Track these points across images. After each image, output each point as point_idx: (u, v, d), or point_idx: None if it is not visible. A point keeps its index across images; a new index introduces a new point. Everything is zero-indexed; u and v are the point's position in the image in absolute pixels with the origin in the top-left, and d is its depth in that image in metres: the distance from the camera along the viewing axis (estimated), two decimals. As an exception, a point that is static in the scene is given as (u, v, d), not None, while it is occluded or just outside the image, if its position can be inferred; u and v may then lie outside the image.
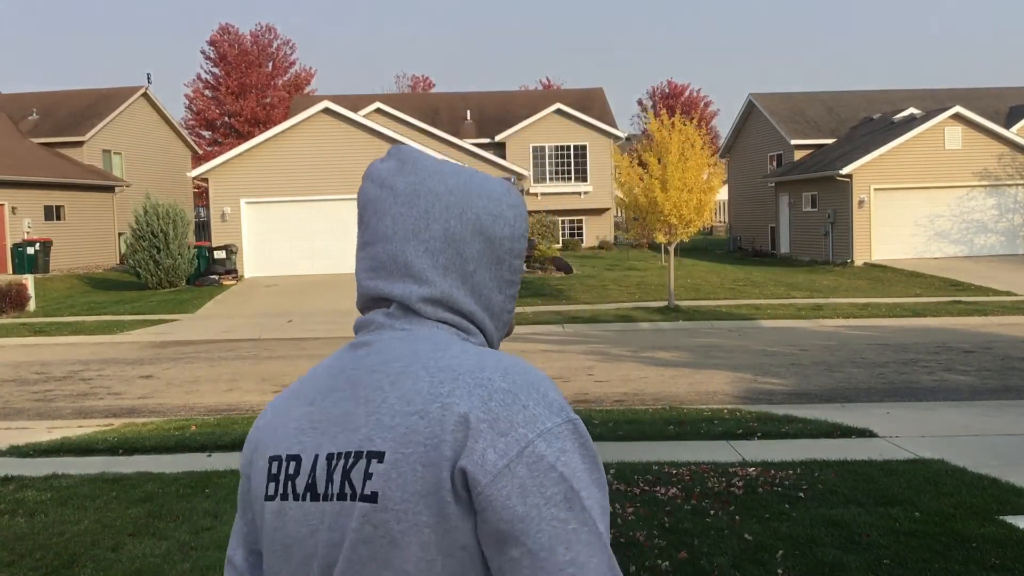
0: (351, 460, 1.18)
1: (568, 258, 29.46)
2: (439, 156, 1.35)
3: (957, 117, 28.81)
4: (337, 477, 1.19)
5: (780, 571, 4.62)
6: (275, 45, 60.80)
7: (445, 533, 1.13)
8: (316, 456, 1.23)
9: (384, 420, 1.18)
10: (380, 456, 1.16)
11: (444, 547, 1.13)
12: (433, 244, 1.27)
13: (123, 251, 31.07)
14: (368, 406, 1.20)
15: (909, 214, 29.02)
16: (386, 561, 1.14)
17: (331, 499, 1.19)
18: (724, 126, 65.01)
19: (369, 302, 1.31)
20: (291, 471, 1.25)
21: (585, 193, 37.02)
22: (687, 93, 68.15)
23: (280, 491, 1.26)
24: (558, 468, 1.11)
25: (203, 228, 38.94)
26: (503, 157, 35.23)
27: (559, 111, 36.71)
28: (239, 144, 34.58)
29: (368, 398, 1.21)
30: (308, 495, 1.22)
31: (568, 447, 1.13)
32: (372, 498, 1.15)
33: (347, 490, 1.18)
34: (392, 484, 1.14)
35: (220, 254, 26.44)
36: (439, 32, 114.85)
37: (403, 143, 1.41)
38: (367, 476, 1.16)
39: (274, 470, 1.27)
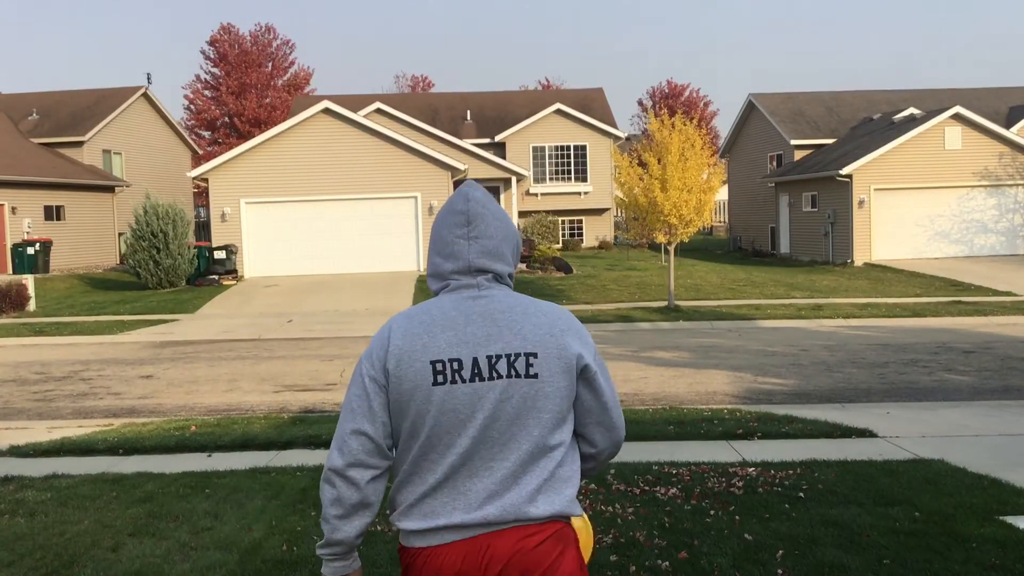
0: (513, 357, 2.24)
1: (568, 258, 29.47)
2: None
3: (957, 117, 28.81)
4: (502, 367, 2.23)
5: (780, 571, 4.62)
6: (275, 45, 60.82)
7: (571, 388, 2.30)
8: (475, 358, 2.23)
9: (528, 336, 2.26)
10: (535, 355, 2.25)
11: (568, 395, 2.30)
12: (511, 247, 2.39)
13: (123, 251, 31.06)
14: (512, 329, 2.27)
15: (909, 214, 29.02)
16: (543, 404, 2.25)
17: (499, 379, 2.23)
18: (724, 126, 65.03)
19: (472, 271, 2.32)
20: (455, 367, 2.22)
21: (585, 193, 37.02)
22: (687, 93, 68.13)
23: (449, 379, 2.22)
24: (601, 360, 2.37)
25: (203, 228, 38.95)
26: (503, 157, 35.23)
27: (559, 111, 36.71)
28: (239, 144, 34.56)
29: (509, 326, 2.27)
30: (476, 379, 2.23)
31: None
32: (535, 376, 2.25)
33: (513, 373, 2.24)
34: (544, 369, 2.25)
35: (220, 254, 26.44)
36: (439, 32, 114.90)
37: (468, 179, 2.01)
38: (529, 365, 2.24)
39: (439, 368, 2.22)
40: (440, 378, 2.22)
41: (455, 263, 2.32)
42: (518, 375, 2.24)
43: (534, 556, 2.23)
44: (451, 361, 2.22)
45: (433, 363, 2.22)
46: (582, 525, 2.44)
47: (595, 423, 2.37)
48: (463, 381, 2.22)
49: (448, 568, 2.22)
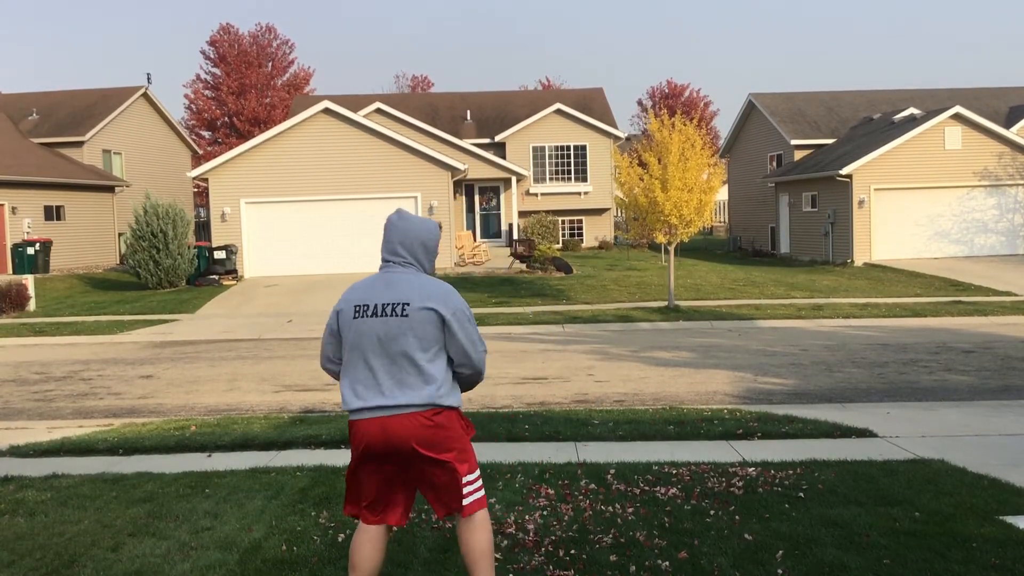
0: (396, 305, 3.87)
1: (568, 258, 29.46)
2: (419, 216, 4.52)
3: (957, 117, 28.81)
4: (389, 310, 3.87)
5: (780, 571, 4.63)
6: (275, 45, 60.82)
7: (434, 328, 3.88)
8: (376, 304, 3.90)
9: (408, 294, 3.89)
10: (408, 304, 3.87)
11: (431, 331, 3.88)
12: (406, 247, 4.01)
13: (123, 251, 31.06)
14: (400, 289, 3.91)
15: (909, 214, 29.02)
16: (411, 332, 3.85)
17: (387, 316, 3.87)
18: (724, 126, 64.99)
19: (383, 259, 4.01)
20: (365, 308, 3.92)
21: (585, 193, 37.01)
22: (687, 93, 68.13)
23: (361, 315, 3.91)
24: (466, 313, 3.98)
25: (203, 228, 38.95)
26: (503, 157, 35.21)
27: (559, 111, 36.68)
28: (240, 144, 34.54)
29: (399, 289, 3.91)
30: (374, 316, 3.89)
31: (465, 309, 3.97)
32: (407, 316, 3.86)
33: (394, 314, 3.86)
34: (413, 312, 3.86)
35: (220, 254, 26.43)
36: (439, 32, 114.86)
37: (398, 208, 4.60)
38: (404, 309, 3.86)
39: (358, 309, 3.93)
40: (357, 313, 3.92)
41: (382, 257, 4.05)
42: (396, 315, 3.86)
43: (417, 432, 3.85)
44: (363, 305, 3.92)
45: (355, 306, 3.94)
46: None
47: (454, 352, 3.93)
48: (367, 316, 3.90)
49: (367, 434, 3.87)
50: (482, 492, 4.01)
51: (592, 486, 6.26)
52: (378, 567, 4.01)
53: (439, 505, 3.96)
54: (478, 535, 3.94)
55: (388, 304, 3.86)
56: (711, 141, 24.01)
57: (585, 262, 30.03)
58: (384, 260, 4.00)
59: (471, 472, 3.96)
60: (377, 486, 3.96)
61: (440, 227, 4.23)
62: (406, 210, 4.10)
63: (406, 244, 3.97)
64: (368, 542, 3.98)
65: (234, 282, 26.25)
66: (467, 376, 4.03)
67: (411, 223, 4.00)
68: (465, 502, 3.92)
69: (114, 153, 35.06)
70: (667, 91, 67.93)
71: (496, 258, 30.20)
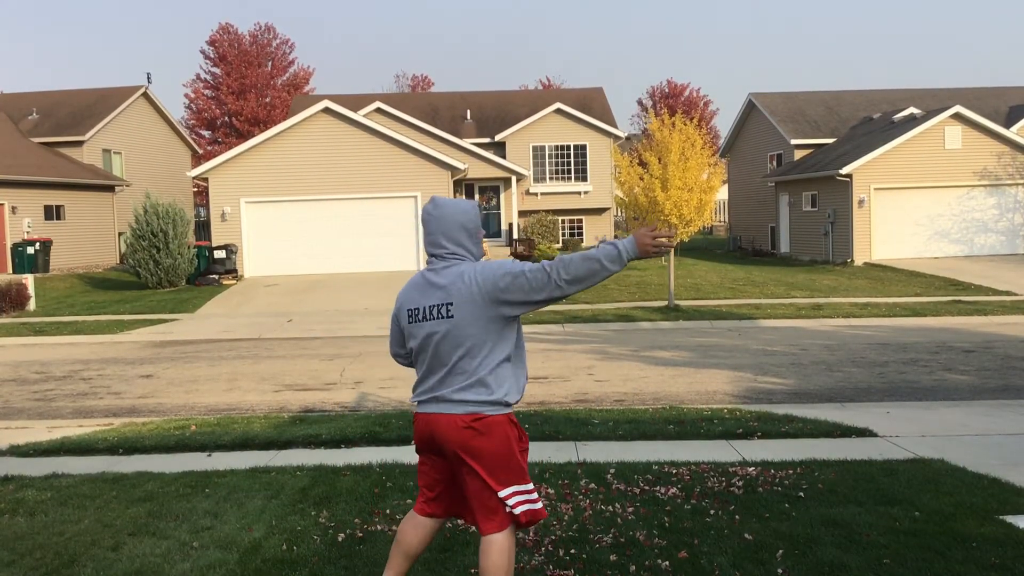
0: (441, 306, 3.73)
1: (568, 258, 29.39)
2: (451, 198, 3.89)
3: (957, 117, 28.80)
4: (435, 312, 3.75)
5: (780, 571, 4.63)
6: (274, 44, 60.84)
7: (487, 315, 3.69)
8: (424, 306, 3.78)
9: (451, 293, 3.72)
10: (451, 304, 3.70)
11: (484, 322, 3.68)
12: (447, 235, 3.81)
13: (123, 251, 31.07)
14: (444, 289, 3.73)
15: (909, 214, 29.02)
16: (461, 333, 3.69)
17: (435, 319, 3.74)
18: (724, 126, 65.00)
19: (429, 255, 3.82)
20: (416, 312, 3.82)
21: (585, 193, 37.01)
22: (687, 93, 68.11)
23: (415, 319, 3.82)
24: (506, 270, 3.73)
25: (203, 228, 38.95)
26: (503, 156, 35.20)
27: (559, 111, 36.68)
28: (239, 143, 34.54)
29: (443, 289, 3.74)
30: (424, 319, 3.78)
31: (501, 272, 3.70)
32: (451, 317, 3.71)
33: (441, 315, 3.73)
34: (459, 312, 3.69)
35: (220, 254, 26.44)
36: (439, 32, 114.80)
37: (432, 196, 3.99)
38: (448, 310, 3.71)
39: (410, 313, 3.84)
40: (411, 318, 3.85)
41: (427, 251, 3.89)
42: (442, 316, 3.73)
43: (456, 434, 3.71)
44: (415, 308, 3.83)
45: (408, 310, 3.88)
46: None
47: (534, 298, 3.73)
48: (419, 320, 3.81)
49: (417, 428, 3.88)
50: (523, 508, 3.72)
51: (592, 486, 6.26)
52: (419, 551, 4.00)
53: (471, 514, 3.80)
54: (494, 551, 3.68)
55: (434, 306, 3.74)
56: (711, 141, 24.05)
57: (585, 262, 29.97)
58: (429, 255, 3.84)
59: (509, 486, 3.70)
60: (427, 478, 3.96)
61: (479, 206, 4.02)
62: (440, 196, 3.90)
63: (448, 234, 3.77)
64: (412, 530, 3.98)
65: (234, 282, 26.25)
66: (581, 275, 3.79)
67: (446, 209, 3.79)
68: (494, 517, 3.70)
69: (114, 153, 35.05)
70: (667, 91, 67.90)
71: (496, 257, 30.20)
